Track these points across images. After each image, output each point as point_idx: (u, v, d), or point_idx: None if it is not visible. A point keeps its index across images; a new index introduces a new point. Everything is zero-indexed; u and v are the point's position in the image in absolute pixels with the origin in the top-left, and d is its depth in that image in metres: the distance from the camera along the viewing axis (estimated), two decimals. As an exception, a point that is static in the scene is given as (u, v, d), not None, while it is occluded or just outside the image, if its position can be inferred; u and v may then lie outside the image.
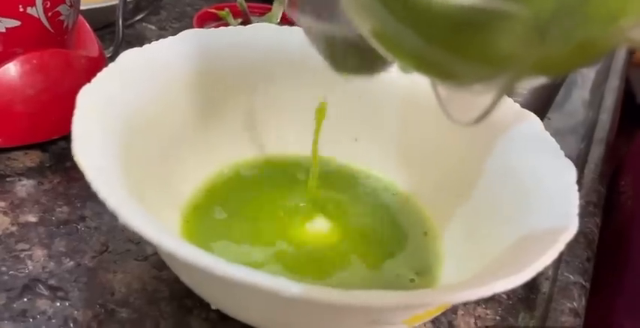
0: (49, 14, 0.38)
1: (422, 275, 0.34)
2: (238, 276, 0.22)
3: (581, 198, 0.46)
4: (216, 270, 0.22)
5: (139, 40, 0.57)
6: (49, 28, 0.39)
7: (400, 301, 0.22)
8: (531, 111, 0.36)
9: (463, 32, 0.18)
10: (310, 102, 0.40)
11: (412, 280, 0.34)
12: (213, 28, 0.38)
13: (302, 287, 0.22)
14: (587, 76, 0.73)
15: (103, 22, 0.55)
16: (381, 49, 0.21)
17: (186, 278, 0.29)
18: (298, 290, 0.22)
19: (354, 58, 0.25)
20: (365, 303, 0.22)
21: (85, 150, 0.27)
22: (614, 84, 0.68)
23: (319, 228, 0.36)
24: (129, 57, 0.33)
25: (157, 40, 0.34)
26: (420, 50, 0.20)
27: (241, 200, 0.37)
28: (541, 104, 0.51)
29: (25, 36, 0.38)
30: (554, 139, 0.34)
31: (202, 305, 0.31)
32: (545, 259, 0.25)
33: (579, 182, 0.47)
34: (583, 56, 0.20)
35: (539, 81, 0.23)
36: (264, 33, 0.39)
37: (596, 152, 0.52)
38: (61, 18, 0.39)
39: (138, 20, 0.60)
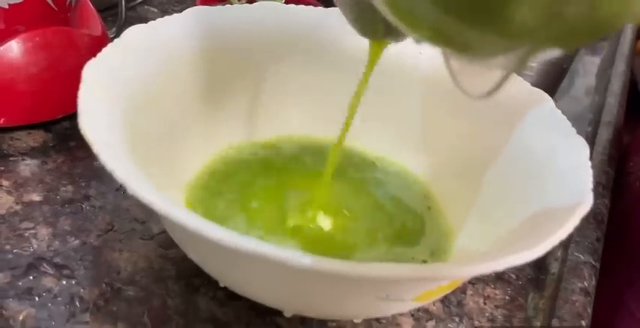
0: (52, -9, 0.38)
1: (435, 256, 0.34)
2: (248, 247, 0.21)
3: (590, 179, 0.46)
4: (226, 241, 0.22)
5: (142, 21, 0.56)
6: (52, 6, 0.38)
7: (415, 273, 0.22)
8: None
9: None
10: (317, 83, 0.40)
11: (424, 261, 0.33)
12: (219, 6, 0.38)
13: (313, 258, 0.21)
14: (593, 62, 0.73)
15: (105, 4, 0.54)
16: (393, 19, 0.21)
17: (193, 254, 0.28)
18: (309, 261, 0.21)
19: (380, 22, 0.25)
20: (379, 274, 0.21)
21: (91, 124, 0.26)
22: (620, 68, 0.67)
23: (328, 211, 0.36)
24: (134, 33, 0.33)
25: (160, 21, 0.34)
26: (435, 21, 0.19)
27: (247, 182, 0.37)
28: (547, 89, 0.51)
29: (28, 13, 0.37)
30: (566, 117, 0.33)
31: (210, 283, 0.31)
32: (562, 232, 0.25)
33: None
34: (601, 27, 0.19)
35: (554, 53, 0.22)
36: (270, 12, 0.38)
37: (604, 135, 0.51)
38: (64, -5, 0.39)
39: (140, 3, 0.59)
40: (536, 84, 0.49)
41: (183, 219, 0.22)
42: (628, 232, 0.41)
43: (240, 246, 0.21)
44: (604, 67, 0.70)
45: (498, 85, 0.22)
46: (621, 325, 0.39)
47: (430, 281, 0.25)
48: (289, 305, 0.28)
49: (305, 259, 0.21)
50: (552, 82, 0.51)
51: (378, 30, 0.26)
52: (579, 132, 0.32)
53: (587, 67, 0.72)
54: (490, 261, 0.23)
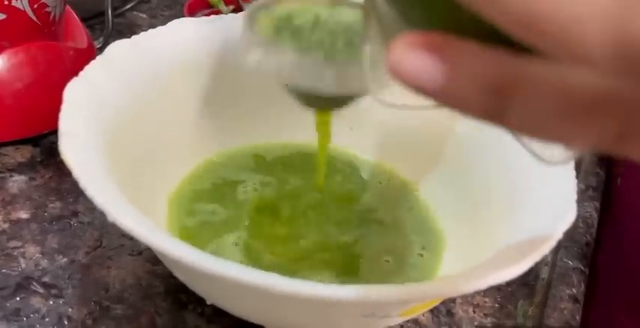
0: (35, 6, 0.37)
1: (428, 250, 0.34)
2: (229, 274, 0.22)
3: (579, 182, 0.45)
4: (207, 268, 0.22)
5: (130, 29, 0.56)
6: (36, 21, 0.38)
7: (396, 296, 0.22)
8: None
9: None
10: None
11: (420, 255, 0.33)
12: (203, 17, 0.38)
13: (293, 283, 0.22)
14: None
15: (92, 12, 0.54)
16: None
17: (178, 274, 0.28)
18: (289, 287, 0.21)
19: (317, 102, 0.28)
20: (356, 299, 0.22)
21: (72, 146, 0.26)
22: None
23: (318, 214, 0.36)
24: (116, 48, 0.33)
25: (147, 29, 0.34)
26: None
27: (232, 188, 0.37)
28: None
29: (12, 29, 0.37)
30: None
31: (197, 299, 0.31)
32: (543, 249, 0.25)
33: (578, 166, 0.47)
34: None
35: None
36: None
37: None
38: (48, 9, 0.39)
39: (128, 9, 0.59)
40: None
41: (163, 246, 0.22)
42: (621, 235, 0.41)
43: (222, 273, 0.22)
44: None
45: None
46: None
47: (412, 303, 0.25)
48: (272, 323, 0.28)
49: (285, 284, 0.21)
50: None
51: (316, 106, 0.29)
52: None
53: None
54: (471, 281, 0.23)
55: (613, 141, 0.12)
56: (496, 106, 0.12)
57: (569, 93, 0.11)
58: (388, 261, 0.33)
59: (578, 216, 0.40)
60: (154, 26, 0.34)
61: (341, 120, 0.40)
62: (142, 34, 0.34)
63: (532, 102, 0.12)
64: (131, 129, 0.32)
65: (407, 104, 0.21)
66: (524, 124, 0.12)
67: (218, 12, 0.52)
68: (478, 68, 0.12)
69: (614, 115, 0.11)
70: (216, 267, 0.22)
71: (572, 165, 0.30)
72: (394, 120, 0.39)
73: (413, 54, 0.12)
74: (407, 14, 0.14)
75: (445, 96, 0.12)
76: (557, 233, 0.26)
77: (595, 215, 0.41)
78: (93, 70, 0.31)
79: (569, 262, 0.37)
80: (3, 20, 0.36)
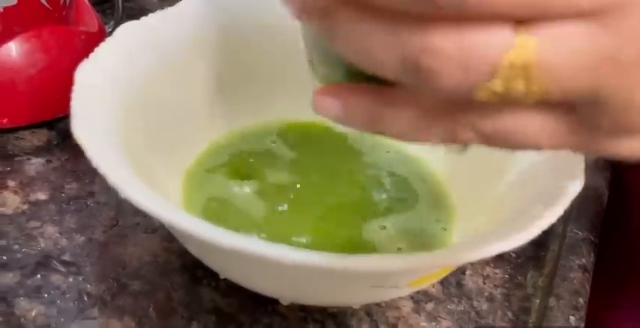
0: (45, -9, 0.38)
1: (445, 223, 0.34)
2: (241, 247, 0.22)
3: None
4: (219, 241, 0.22)
5: (141, 13, 0.57)
6: (47, 6, 0.39)
7: (399, 265, 0.22)
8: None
9: None
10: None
11: (444, 229, 0.34)
12: (210, -2, 0.38)
13: (304, 254, 0.22)
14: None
15: (102, -4, 0.54)
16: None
17: (192, 249, 0.29)
18: (300, 257, 0.22)
19: None
20: (365, 268, 0.22)
21: (84, 127, 0.27)
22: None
23: (324, 188, 0.36)
24: (126, 30, 0.33)
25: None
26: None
27: (245, 167, 0.37)
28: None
29: (23, 15, 0.38)
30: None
31: (212, 275, 0.32)
32: (550, 218, 0.25)
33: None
34: None
35: None
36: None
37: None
38: (58, -6, 0.39)
39: (138, -8, 0.59)
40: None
41: (175, 222, 0.23)
42: (629, 206, 0.41)
43: (233, 246, 0.22)
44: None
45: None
46: (621, 303, 0.39)
47: (418, 272, 0.25)
48: (285, 295, 0.29)
49: (296, 255, 0.22)
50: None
51: None
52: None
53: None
54: (477, 249, 0.24)
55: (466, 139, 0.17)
56: (376, 125, 0.18)
57: (421, 109, 0.17)
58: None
59: (588, 187, 0.40)
60: (164, 9, 0.35)
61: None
62: (151, 15, 0.35)
63: (399, 118, 0.18)
64: (142, 109, 0.33)
65: None
66: (396, 131, 0.18)
67: (226, -7, 0.52)
68: (361, 101, 0.18)
69: (446, 122, 0.17)
70: (226, 240, 0.22)
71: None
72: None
73: (322, 98, 0.19)
74: (329, 69, 0.21)
75: (345, 122, 0.19)
76: (565, 201, 0.26)
77: (605, 185, 0.41)
78: (103, 51, 0.31)
79: (579, 232, 0.37)
80: (14, 6, 0.37)
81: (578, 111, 0.16)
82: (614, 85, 0.15)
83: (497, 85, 0.15)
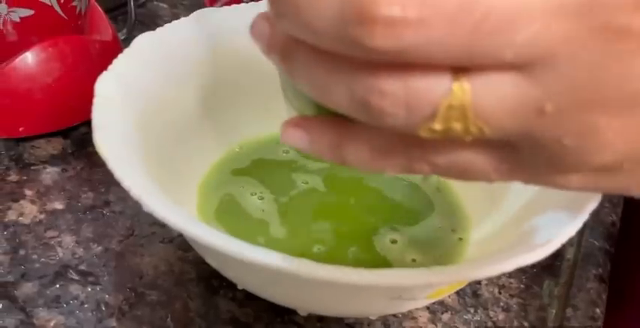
0: (62, 1, 0.38)
1: (461, 233, 0.34)
2: (262, 260, 0.22)
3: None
4: (238, 254, 0.22)
5: (152, 20, 0.57)
6: (63, 15, 0.39)
7: (420, 280, 0.22)
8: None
9: None
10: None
11: (460, 239, 0.34)
12: (224, 6, 0.38)
13: (325, 269, 0.22)
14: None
15: (114, 3, 0.55)
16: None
17: (211, 261, 0.29)
18: (323, 273, 0.22)
19: None
20: (389, 283, 0.22)
21: (106, 139, 0.27)
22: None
23: (339, 197, 0.37)
24: (143, 41, 0.33)
25: (169, 18, 0.35)
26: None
27: (258, 177, 0.37)
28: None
29: (39, 24, 0.38)
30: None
31: (229, 284, 0.32)
32: (568, 231, 0.25)
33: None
34: None
35: None
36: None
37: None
38: (74, 4, 0.39)
39: (149, -1, 0.59)
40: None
41: (197, 234, 0.23)
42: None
43: (252, 258, 0.22)
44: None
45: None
46: (636, 314, 0.39)
47: (440, 285, 0.25)
48: (303, 306, 0.29)
49: (318, 270, 0.22)
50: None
51: None
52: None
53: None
54: (497, 264, 0.24)
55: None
56: (339, 156, 0.19)
57: (379, 142, 0.18)
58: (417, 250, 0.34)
59: (604, 196, 0.41)
60: (175, 16, 0.35)
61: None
62: (167, 25, 0.35)
63: (359, 150, 0.19)
64: (160, 119, 0.33)
65: None
66: (356, 161, 0.19)
67: (239, 0, 0.52)
68: (324, 134, 0.19)
69: (402, 155, 0.18)
70: (246, 253, 0.22)
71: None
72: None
73: (288, 129, 0.20)
74: (299, 101, 0.21)
75: (312, 152, 0.20)
76: (584, 214, 0.26)
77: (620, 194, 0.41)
78: (121, 62, 0.32)
79: (595, 242, 0.37)
80: (31, 16, 0.37)
81: (520, 149, 0.17)
82: (542, 130, 0.16)
83: (438, 125, 0.16)
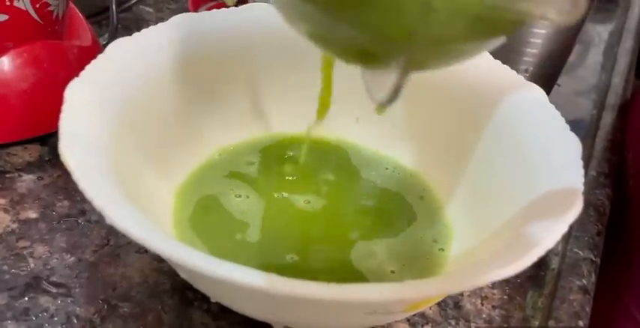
0: (37, 5, 0.37)
1: (442, 244, 0.34)
2: (229, 277, 0.22)
3: (592, 168, 0.45)
4: (207, 271, 0.22)
5: (137, 24, 0.56)
6: (39, 20, 0.38)
7: (394, 295, 0.22)
8: (541, 75, 0.34)
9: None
10: (309, 84, 0.40)
11: (442, 250, 0.33)
12: (205, 11, 0.37)
13: (292, 284, 0.21)
14: (601, 36, 0.71)
15: (98, 8, 0.54)
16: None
17: (182, 274, 0.28)
18: (288, 288, 0.21)
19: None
20: (357, 299, 0.21)
21: (72, 147, 0.26)
22: (628, 45, 0.65)
23: (319, 204, 0.36)
24: (117, 46, 0.33)
25: (155, 23, 0.34)
26: (331, 29, 0.23)
27: (235, 183, 0.37)
28: (551, 69, 0.49)
29: (14, 29, 0.37)
30: (559, 112, 0.33)
31: (203, 297, 0.31)
32: (548, 242, 0.24)
33: (590, 151, 0.46)
34: (479, 34, 0.21)
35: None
36: (260, 13, 0.38)
37: (608, 118, 0.50)
38: (50, 8, 0.39)
39: (134, 3, 0.59)
40: (539, 62, 0.47)
41: (162, 248, 0.22)
42: (628, 224, 0.41)
43: (221, 276, 0.22)
44: (611, 43, 0.68)
45: (394, 90, 0.23)
46: (620, 326, 0.38)
47: (412, 301, 0.25)
48: (277, 321, 0.28)
49: (283, 286, 0.21)
50: (556, 60, 0.50)
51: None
52: (583, 116, 0.31)
53: (599, 39, 0.70)
54: (474, 277, 0.23)
55: None
56: None
57: None
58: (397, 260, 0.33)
59: (589, 204, 0.40)
60: (160, 20, 0.34)
61: (347, 112, 0.40)
62: (143, 30, 0.34)
63: None
64: (135, 126, 0.32)
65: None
66: None
67: (223, 5, 0.52)
68: None
69: None
70: (212, 268, 0.22)
71: (579, 154, 0.30)
72: (402, 111, 0.39)
73: None
74: None
75: None
76: (563, 226, 0.26)
77: (607, 203, 0.41)
78: (94, 69, 0.31)
79: (580, 252, 0.36)
80: (5, 21, 0.36)
81: None
82: None
83: None
